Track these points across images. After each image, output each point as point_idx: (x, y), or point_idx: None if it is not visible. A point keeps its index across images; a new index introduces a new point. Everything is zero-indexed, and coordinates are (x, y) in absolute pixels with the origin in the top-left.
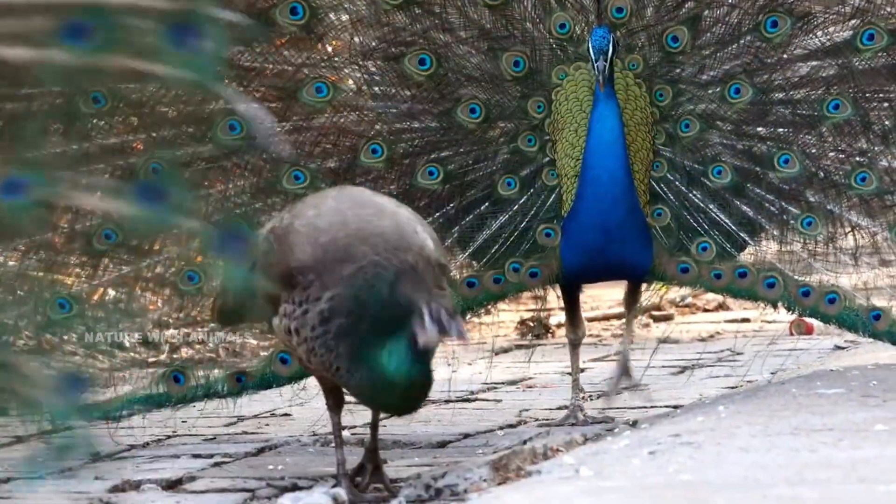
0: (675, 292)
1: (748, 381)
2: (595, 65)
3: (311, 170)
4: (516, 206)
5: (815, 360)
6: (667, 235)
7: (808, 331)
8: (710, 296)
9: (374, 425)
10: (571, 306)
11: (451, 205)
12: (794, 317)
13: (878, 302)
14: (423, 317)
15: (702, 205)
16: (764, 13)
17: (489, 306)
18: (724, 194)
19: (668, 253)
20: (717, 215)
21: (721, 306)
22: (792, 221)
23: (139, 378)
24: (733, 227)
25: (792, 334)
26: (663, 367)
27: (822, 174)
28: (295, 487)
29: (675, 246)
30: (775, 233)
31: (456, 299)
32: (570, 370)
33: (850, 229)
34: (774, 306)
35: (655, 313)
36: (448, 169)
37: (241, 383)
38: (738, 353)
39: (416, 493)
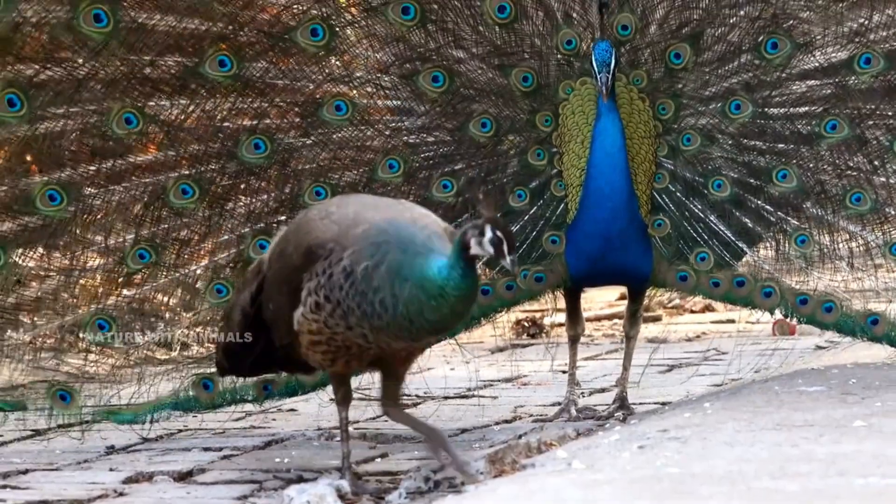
0: (664, 294)
1: (733, 379)
2: (598, 77)
3: (331, 185)
4: (527, 217)
5: (797, 359)
6: (666, 245)
7: (791, 331)
8: (698, 298)
9: None
10: (573, 305)
11: (465, 216)
12: (777, 318)
13: (875, 305)
14: (484, 232)
15: (701, 215)
16: (764, 34)
17: (503, 311)
18: (723, 205)
19: (668, 262)
20: (717, 226)
21: (707, 308)
22: (789, 230)
23: (160, 378)
24: (732, 237)
25: (775, 334)
26: (652, 365)
27: (819, 188)
28: (300, 479)
29: (675, 255)
30: (773, 242)
31: None
32: (563, 369)
33: (847, 237)
34: (771, 313)
35: (645, 314)
36: (461, 182)
37: (268, 391)
38: (724, 353)
39: (416, 484)
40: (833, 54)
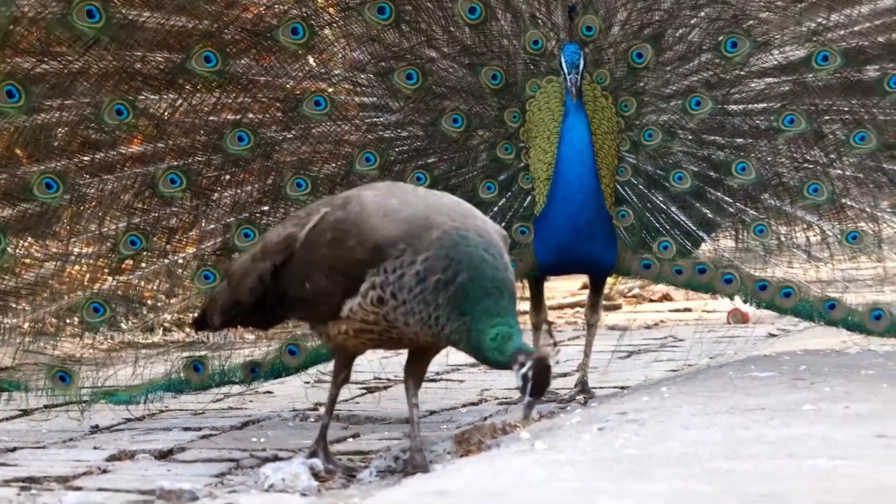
0: (624, 284)
1: (689, 365)
2: (568, 78)
3: (312, 177)
4: (496, 208)
5: (750, 346)
6: (630, 234)
7: (745, 320)
8: (656, 287)
9: None
10: (536, 293)
11: None
12: (731, 307)
13: (832, 291)
14: (523, 364)
15: (663, 206)
16: (724, 34)
17: None
18: (684, 197)
19: (632, 251)
20: (678, 216)
21: (665, 297)
22: (747, 220)
23: (153, 361)
24: (693, 227)
25: (729, 323)
26: (613, 351)
27: (777, 180)
28: (276, 458)
29: (639, 244)
30: (732, 231)
31: None
32: None
33: (804, 227)
34: (732, 298)
35: (606, 303)
36: (434, 174)
37: (255, 373)
38: (681, 340)
39: (386, 463)
40: (791, 53)
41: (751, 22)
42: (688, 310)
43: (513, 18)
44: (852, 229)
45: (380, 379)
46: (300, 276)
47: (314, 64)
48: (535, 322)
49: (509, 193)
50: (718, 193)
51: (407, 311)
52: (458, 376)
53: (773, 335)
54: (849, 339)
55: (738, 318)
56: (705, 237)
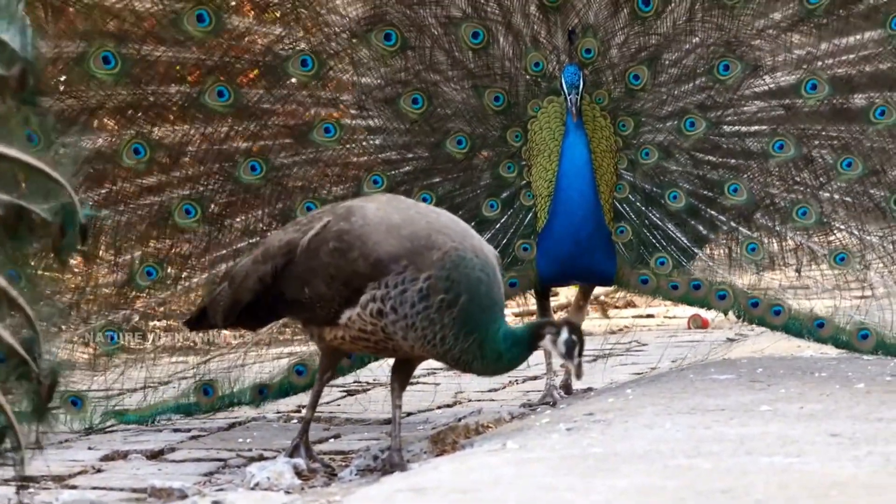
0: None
1: (652, 368)
2: (568, 98)
3: (321, 200)
4: (498, 225)
5: (709, 350)
6: (629, 250)
7: (704, 325)
8: (620, 294)
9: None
10: (542, 305)
11: None
12: (692, 313)
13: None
14: (560, 333)
15: (659, 223)
16: (716, 58)
17: None
18: (680, 214)
19: (630, 266)
20: (674, 232)
21: (629, 304)
22: (740, 238)
23: (160, 384)
24: (687, 243)
25: (689, 328)
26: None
27: (768, 201)
28: (261, 458)
29: (636, 260)
30: (725, 249)
31: None
32: None
33: (795, 246)
34: (726, 314)
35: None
36: (439, 193)
37: (263, 395)
38: (644, 344)
39: (366, 462)
40: (782, 78)
41: (743, 48)
42: (650, 316)
43: (514, 41)
44: (840, 251)
45: (359, 382)
46: (300, 281)
47: (325, 92)
48: None
49: (511, 210)
50: (712, 212)
51: (407, 326)
52: (433, 379)
53: (731, 340)
54: (802, 343)
55: (697, 323)
56: (698, 251)
